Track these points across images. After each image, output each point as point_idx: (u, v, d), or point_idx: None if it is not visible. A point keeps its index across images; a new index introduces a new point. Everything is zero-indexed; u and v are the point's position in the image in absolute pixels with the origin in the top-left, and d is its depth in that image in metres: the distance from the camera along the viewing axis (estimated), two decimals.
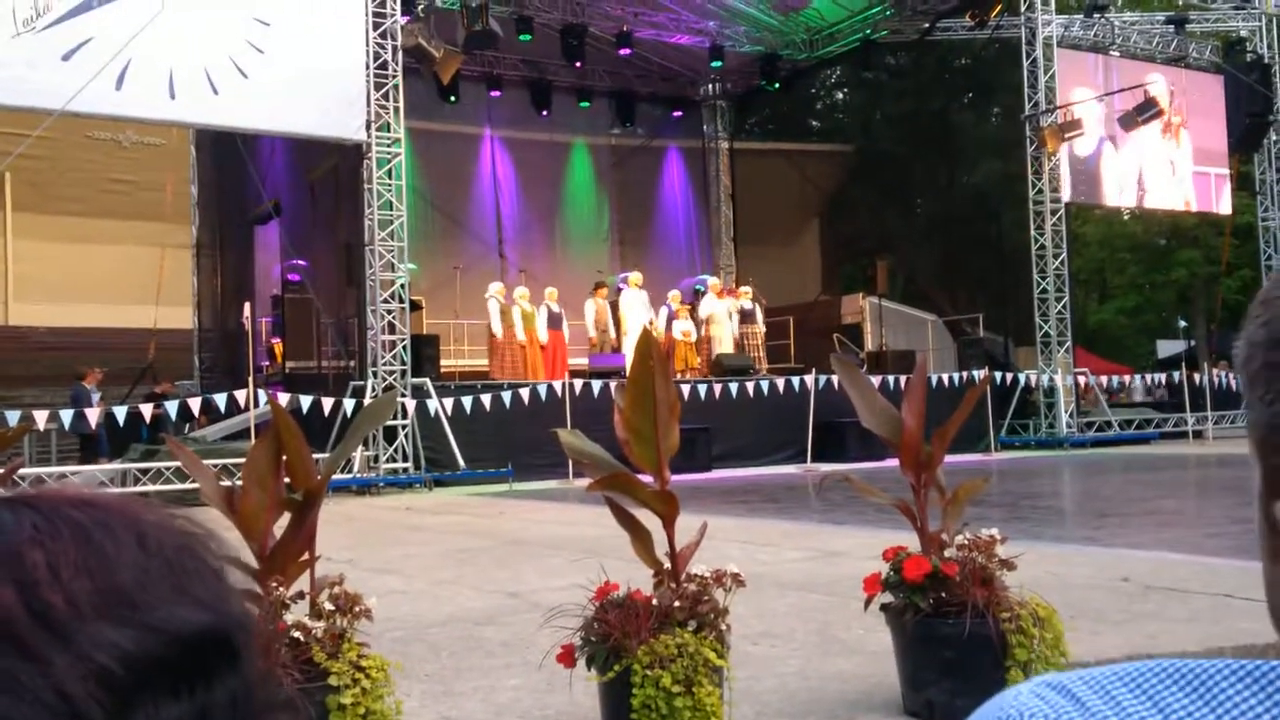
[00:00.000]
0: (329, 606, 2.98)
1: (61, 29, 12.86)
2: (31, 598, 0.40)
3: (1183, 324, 28.91)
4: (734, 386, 16.96)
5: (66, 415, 14.27)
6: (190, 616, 0.43)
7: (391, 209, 15.05)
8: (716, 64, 23.16)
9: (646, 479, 3.48)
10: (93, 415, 14.50)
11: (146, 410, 15.07)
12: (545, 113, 23.01)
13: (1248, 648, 4.20)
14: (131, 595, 0.42)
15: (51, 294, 21.67)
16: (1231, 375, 21.66)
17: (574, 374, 16.67)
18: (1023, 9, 20.07)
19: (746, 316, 19.38)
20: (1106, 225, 34.47)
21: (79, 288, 21.87)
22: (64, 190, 22.65)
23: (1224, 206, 22.94)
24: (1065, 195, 20.16)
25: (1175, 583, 5.65)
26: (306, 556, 3.12)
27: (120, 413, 14.63)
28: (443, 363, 17.04)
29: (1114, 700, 0.51)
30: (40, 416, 13.05)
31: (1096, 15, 20.92)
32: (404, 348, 14.94)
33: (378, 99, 14.84)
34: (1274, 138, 22.77)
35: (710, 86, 25.39)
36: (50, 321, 21.66)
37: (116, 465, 14.14)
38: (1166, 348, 32.85)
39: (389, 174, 15.04)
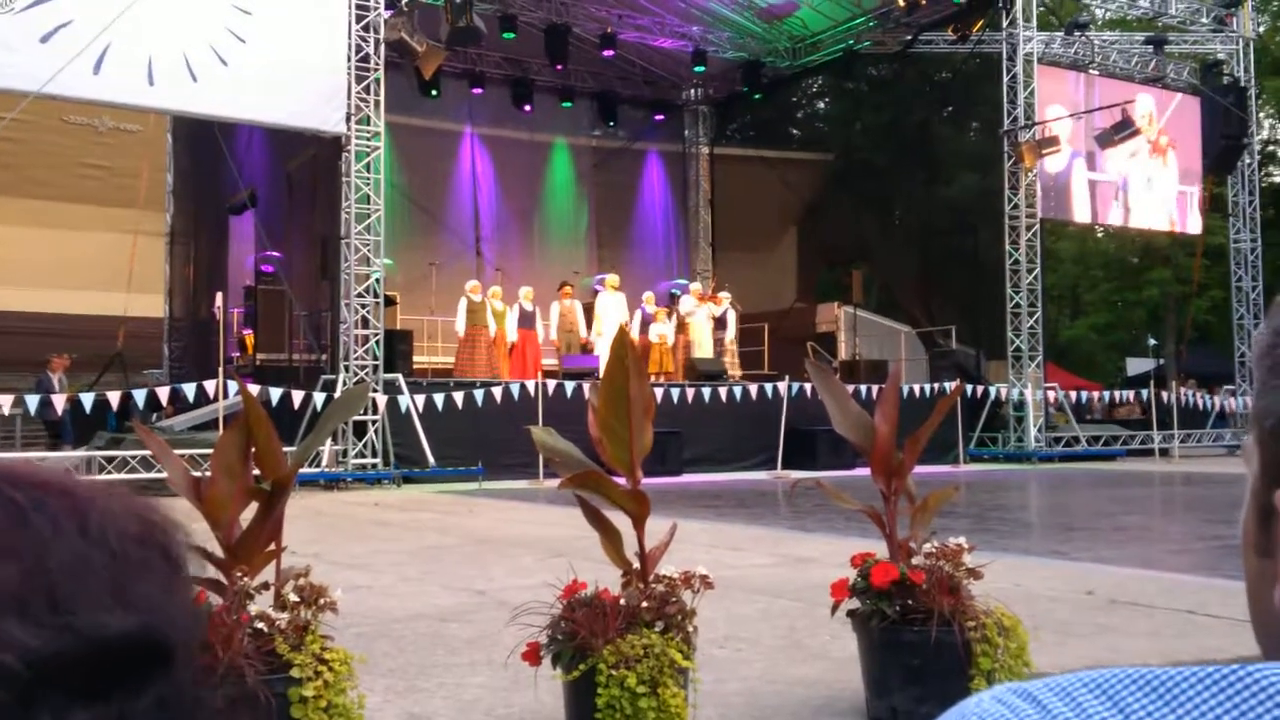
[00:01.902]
0: (294, 598, 2.96)
1: (40, 10, 12.73)
2: None
3: (1152, 342, 29.21)
4: (707, 391, 16.98)
5: (32, 400, 14.11)
6: (117, 621, 0.40)
7: (369, 203, 14.98)
8: (699, 69, 23.21)
9: (618, 479, 3.47)
10: (59, 402, 14.35)
11: (114, 397, 14.92)
12: (527, 111, 22.97)
13: (1208, 663, 4.24)
14: (55, 590, 0.39)
15: (20, 278, 21.40)
16: (1199, 394, 21.92)
17: (547, 374, 16.64)
18: (1004, 25, 20.23)
19: (720, 322, 19.43)
20: (1080, 242, 34.81)
21: (49, 272, 21.62)
22: (37, 174, 22.39)
23: (1196, 226, 23.18)
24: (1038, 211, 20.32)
25: (1139, 597, 5.70)
26: (273, 547, 3.09)
27: (87, 400, 14.48)
28: (416, 359, 16.99)
29: (1077, 704, 0.52)
30: (5, 401, 12.90)
31: (1077, 33, 21.11)
32: (377, 343, 14.87)
33: (358, 92, 14.77)
34: (1248, 160, 23.03)
35: (692, 91, 25.44)
36: (18, 306, 21.39)
37: (81, 453, 14.00)
38: (1136, 365, 33.17)
39: (367, 168, 14.97)
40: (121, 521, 0.44)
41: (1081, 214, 21.85)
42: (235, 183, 17.38)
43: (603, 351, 16.76)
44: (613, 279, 18.83)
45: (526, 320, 17.62)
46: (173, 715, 0.42)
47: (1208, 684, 0.50)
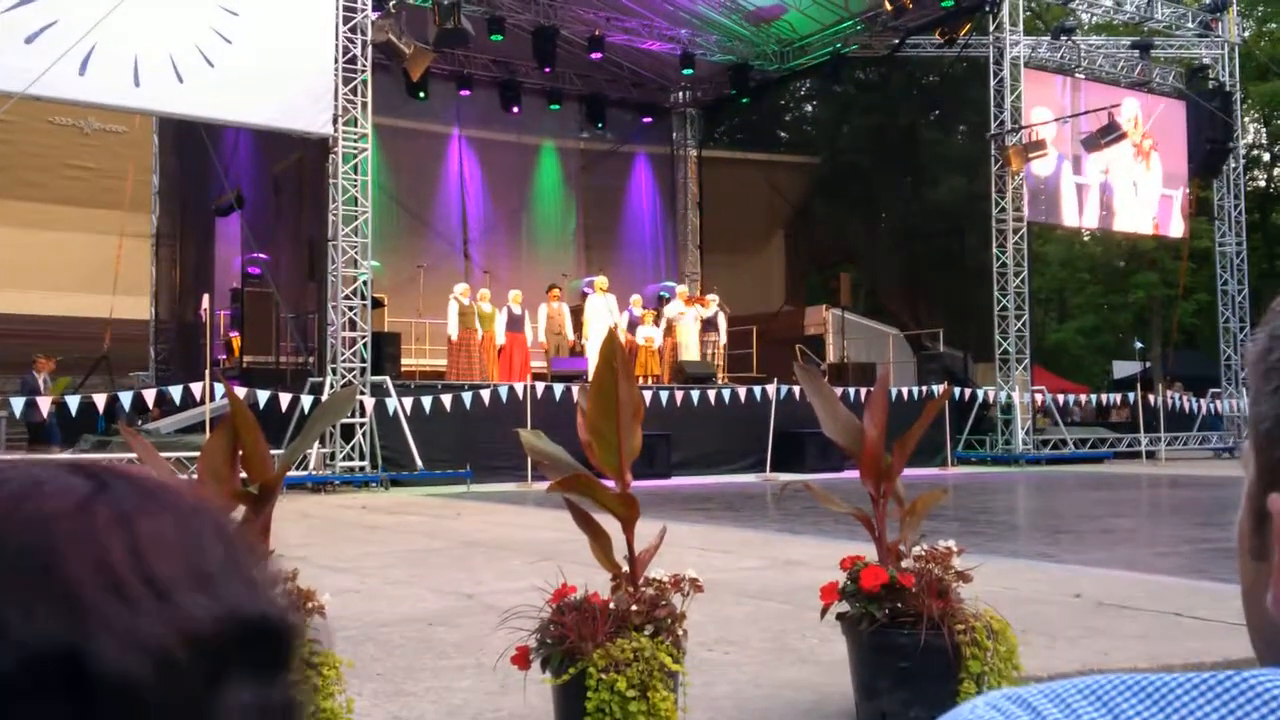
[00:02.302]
0: None
1: (26, 11, 12.66)
2: (139, 562, 0.42)
3: (1139, 345, 29.33)
4: (695, 394, 16.99)
5: (17, 403, 14.04)
6: (262, 606, 0.45)
7: (356, 205, 14.94)
8: (687, 71, 23.24)
9: (608, 482, 3.46)
10: (44, 404, 14.27)
11: (100, 399, 14.84)
12: (515, 113, 22.95)
13: (1196, 665, 4.26)
14: (217, 579, 0.44)
15: (4, 280, 21.30)
16: (1185, 397, 22.01)
17: (535, 377, 16.63)
18: (991, 29, 20.29)
19: (709, 325, 19.44)
20: (1068, 246, 34.93)
21: (34, 274, 21.52)
22: (22, 175, 22.29)
23: (1181, 230, 23.29)
24: (1025, 214, 20.39)
25: (1126, 600, 5.72)
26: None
27: (73, 402, 14.41)
28: (403, 362, 16.95)
29: (1072, 710, 0.51)
30: None
31: (1064, 37, 21.20)
32: (364, 345, 14.83)
33: (346, 93, 14.74)
34: (1233, 164, 23.16)
35: (680, 94, 25.47)
36: (3, 308, 21.29)
37: (67, 455, 13.92)
38: (1122, 368, 33.30)
39: (354, 170, 14.94)
40: (237, 532, 0.48)
41: (1070, 218, 21.94)
42: (222, 184, 17.33)
43: (592, 354, 16.77)
44: (601, 281, 18.83)
45: (515, 324, 17.59)
46: (292, 700, 0.46)
47: (1203, 690, 0.50)
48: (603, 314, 18.09)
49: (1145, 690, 0.51)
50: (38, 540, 0.41)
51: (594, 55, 21.71)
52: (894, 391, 16.80)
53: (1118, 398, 22.43)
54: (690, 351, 18.85)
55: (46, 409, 14.41)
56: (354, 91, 14.83)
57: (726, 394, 17.29)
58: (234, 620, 0.43)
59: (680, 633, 3.26)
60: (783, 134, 33.50)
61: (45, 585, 0.40)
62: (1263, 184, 36.48)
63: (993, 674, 3.34)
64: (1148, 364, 30.77)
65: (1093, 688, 0.52)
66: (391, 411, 14.69)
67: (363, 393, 14.37)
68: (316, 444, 13.55)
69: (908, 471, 4.09)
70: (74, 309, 20.63)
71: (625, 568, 3.38)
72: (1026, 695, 0.53)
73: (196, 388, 14.04)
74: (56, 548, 0.41)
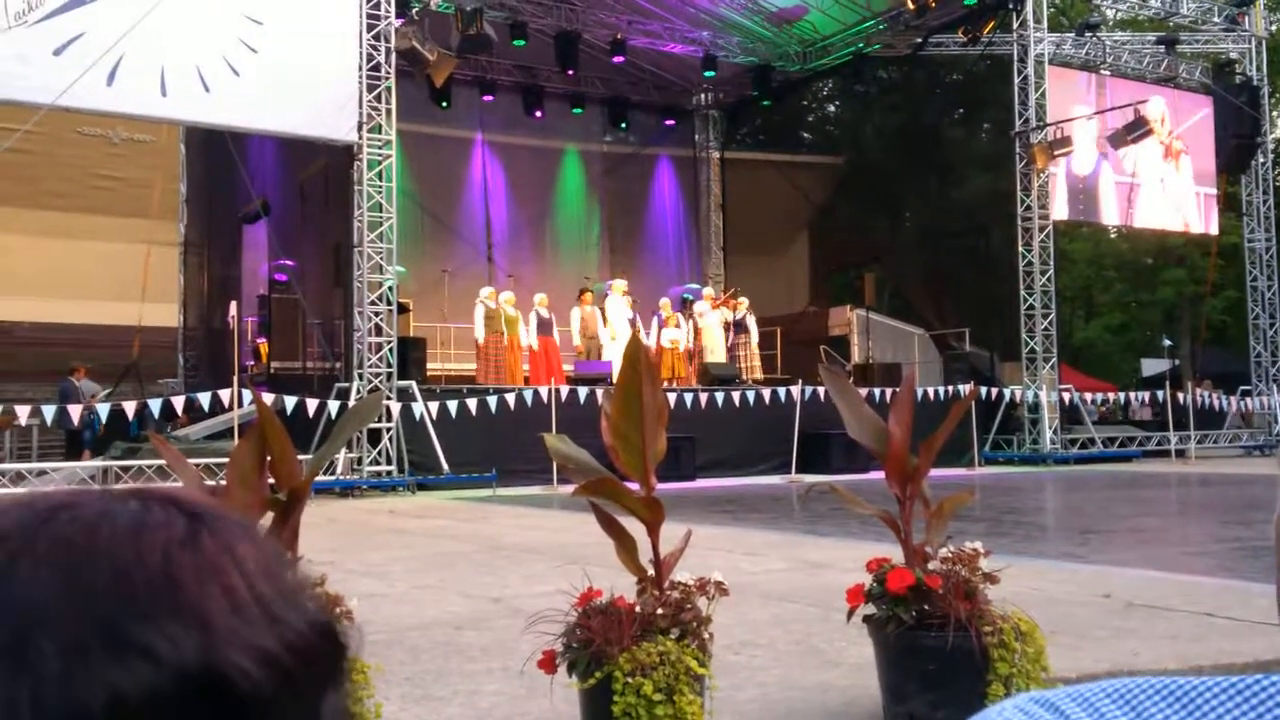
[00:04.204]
0: None
1: (54, 23, 12.81)
2: (250, 584, 0.46)
3: (1168, 343, 29.05)
4: (720, 396, 16.96)
5: (49, 410, 14.18)
6: (332, 622, 0.49)
7: (381, 211, 15.02)
8: (709, 74, 23.22)
9: (632, 485, 3.47)
10: (75, 411, 14.42)
11: (130, 407, 14.98)
12: (537, 117, 23.01)
13: (1227, 666, 4.22)
14: (298, 596, 0.48)
15: (36, 289, 21.53)
16: (1215, 395, 21.79)
17: (568, 380, 16.68)
18: (1015, 26, 20.17)
19: (740, 327, 19.38)
20: (1094, 243, 34.65)
21: (64, 283, 21.75)
22: (52, 185, 22.53)
23: (1211, 227, 23.08)
24: (1061, 213, 20.28)
25: (1157, 600, 5.67)
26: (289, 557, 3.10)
27: (103, 410, 14.55)
28: (429, 366, 17.00)
29: (1099, 712, 0.52)
30: (22, 412, 12.96)
31: (1088, 34, 21.05)
32: (390, 350, 14.90)
33: (370, 100, 14.82)
34: (1261, 159, 22.92)
35: (703, 96, 25.46)
36: (34, 317, 21.53)
37: (98, 462, 14.06)
38: (1151, 366, 33.01)
39: (379, 176, 15.02)
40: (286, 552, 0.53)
41: (1110, 216, 21.82)
42: (248, 192, 17.44)
43: (613, 356, 16.77)
44: (619, 284, 18.84)
45: (545, 327, 17.62)
46: (349, 708, 0.49)
47: (1230, 694, 0.50)
48: (622, 316, 18.08)
49: (1173, 693, 0.51)
50: (162, 571, 0.44)
51: (616, 59, 21.73)
52: (920, 392, 16.71)
53: (1145, 396, 22.21)
54: (716, 354, 18.82)
55: (78, 417, 14.55)
56: (378, 98, 14.91)
57: (751, 396, 17.26)
58: (320, 627, 0.47)
59: (706, 636, 3.26)
60: (805, 134, 33.39)
61: (177, 610, 0.43)
62: None
63: (1021, 675, 3.32)
64: (1177, 361, 30.49)
65: (1120, 690, 0.52)
66: (418, 416, 14.75)
67: (389, 398, 14.43)
68: (344, 449, 13.63)
69: (934, 472, 4.07)
70: (103, 317, 20.84)
71: (651, 571, 3.38)
72: (1053, 698, 0.53)
73: (225, 394, 14.14)
74: (180, 576, 0.44)
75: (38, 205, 22.33)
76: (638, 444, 3.39)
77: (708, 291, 20.42)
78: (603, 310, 18.45)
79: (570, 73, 21.60)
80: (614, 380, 3.62)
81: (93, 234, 22.65)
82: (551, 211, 23.88)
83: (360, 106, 14.70)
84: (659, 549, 3.40)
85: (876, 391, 16.69)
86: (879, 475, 3.95)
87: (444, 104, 20.47)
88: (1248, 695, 0.50)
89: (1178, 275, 31.68)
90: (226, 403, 14.21)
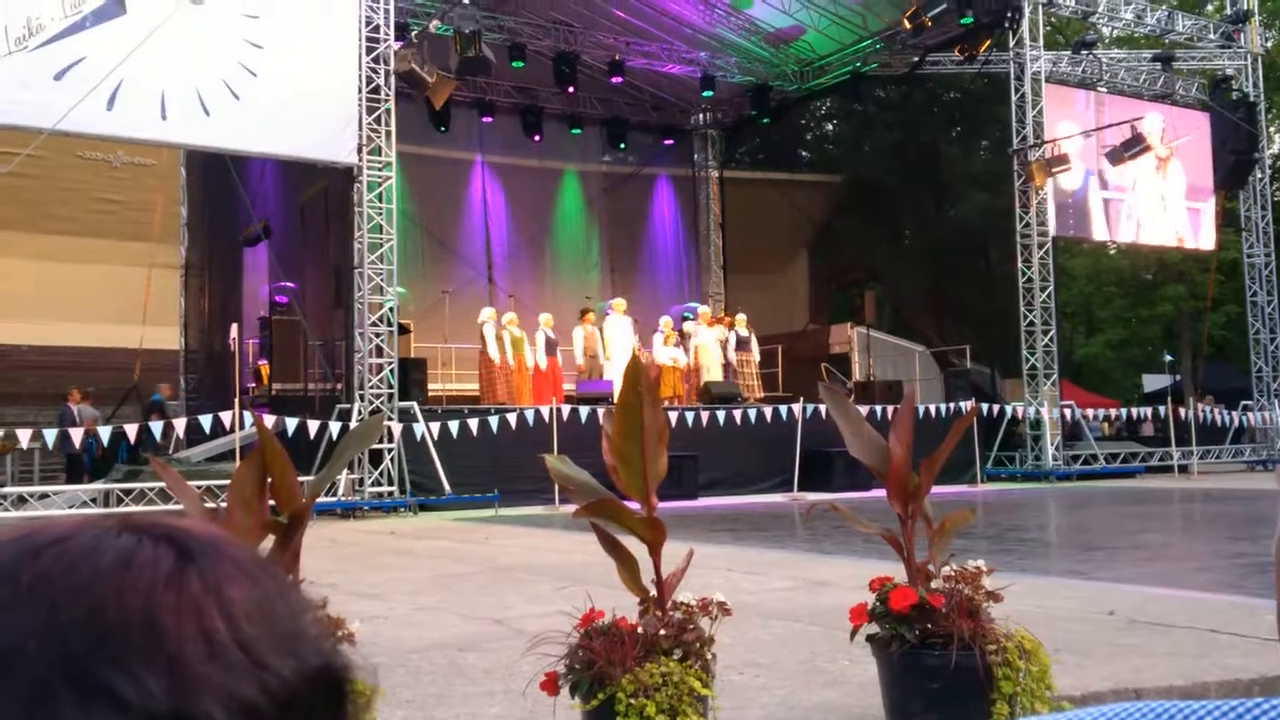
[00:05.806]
0: None
1: (54, 48, 12.87)
2: (233, 628, 0.45)
3: (1168, 358, 29.04)
4: (721, 414, 16.95)
5: (50, 434, 14.18)
6: (332, 661, 0.48)
7: (381, 232, 15.06)
8: (708, 93, 23.31)
9: (633, 505, 3.46)
10: (76, 435, 14.41)
11: (131, 430, 14.97)
12: (536, 139, 23.09)
13: (1232, 683, 4.20)
14: (294, 638, 0.47)
15: (36, 312, 21.55)
16: (1217, 410, 21.78)
17: (568, 399, 16.67)
18: (1011, 45, 20.26)
19: (742, 344, 19.39)
20: (1093, 259, 34.70)
21: (64, 306, 21.76)
22: (52, 209, 22.57)
23: (1209, 242, 23.11)
24: (1052, 229, 20.29)
25: (1160, 617, 5.65)
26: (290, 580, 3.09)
27: (104, 433, 14.55)
28: (430, 387, 17.01)
29: None
30: (23, 435, 12.96)
31: (1084, 52, 21.14)
32: (391, 371, 14.91)
33: (369, 123, 14.88)
34: (1259, 175, 22.98)
35: (701, 116, 25.55)
36: (35, 340, 21.54)
37: (99, 485, 14.04)
38: (1152, 382, 32.99)
39: (379, 198, 15.06)
40: (290, 581, 0.52)
41: (1099, 232, 21.83)
42: (249, 214, 17.49)
43: (613, 376, 16.78)
44: (619, 303, 18.86)
45: (551, 347, 17.68)
46: None
47: (1232, 719, 0.50)
48: (622, 336, 18.10)
49: (1173, 718, 0.51)
50: (140, 612, 0.43)
51: (614, 79, 21.84)
52: (921, 409, 16.71)
53: (1148, 411, 22.20)
54: (712, 373, 18.82)
55: (79, 440, 14.54)
56: (378, 121, 14.97)
57: (753, 414, 17.25)
58: (314, 676, 0.46)
59: (709, 656, 3.25)
60: (804, 153, 33.51)
61: (151, 654, 0.42)
62: None
63: (1025, 694, 3.31)
64: (1178, 377, 30.47)
65: (1121, 715, 0.52)
66: (419, 436, 14.75)
67: (390, 419, 14.43)
68: (345, 470, 13.62)
69: (937, 489, 4.06)
70: (104, 340, 20.85)
71: (653, 591, 3.37)
72: None
73: (226, 416, 14.14)
74: (158, 618, 0.43)
75: (38, 229, 22.38)
76: (639, 464, 3.39)
77: (702, 310, 20.44)
78: (602, 330, 18.47)
79: (569, 93, 21.69)
80: (615, 400, 3.61)
81: (94, 257, 22.68)
82: (551, 232, 23.93)
83: (360, 129, 14.75)
84: (661, 569, 3.39)
85: (878, 409, 16.68)
86: (881, 493, 3.94)
87: (443, 129, 20.57)
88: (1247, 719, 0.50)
89: (1178, 291, 31.71)
90: (228, 425, 14.20)
